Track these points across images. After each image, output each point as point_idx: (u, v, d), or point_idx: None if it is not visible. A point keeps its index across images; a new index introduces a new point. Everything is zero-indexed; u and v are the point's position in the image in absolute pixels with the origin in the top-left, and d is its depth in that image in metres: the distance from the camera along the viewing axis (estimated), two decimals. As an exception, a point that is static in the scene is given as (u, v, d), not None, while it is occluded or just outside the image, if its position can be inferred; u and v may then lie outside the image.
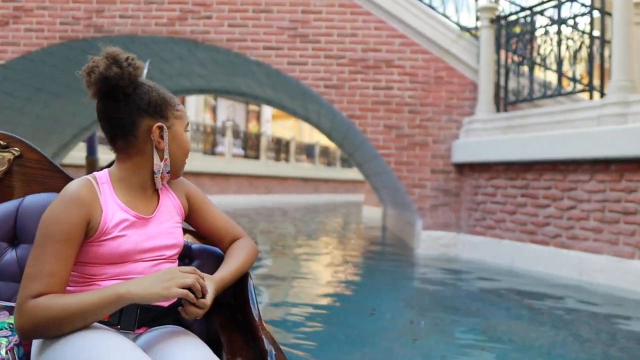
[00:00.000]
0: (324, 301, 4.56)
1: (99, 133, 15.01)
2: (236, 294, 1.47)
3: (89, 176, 1.31)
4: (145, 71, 5.20)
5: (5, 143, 1.56)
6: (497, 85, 6.52)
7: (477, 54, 6.65)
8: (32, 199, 1.50)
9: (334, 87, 6.65)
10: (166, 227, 1.35)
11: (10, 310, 1.36)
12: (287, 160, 21.46)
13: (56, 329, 1.14)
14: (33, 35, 6.64)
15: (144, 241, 1.30)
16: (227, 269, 1.37)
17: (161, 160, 1.32)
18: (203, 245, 1.54)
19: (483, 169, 6.28)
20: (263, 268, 5.81)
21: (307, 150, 24.77)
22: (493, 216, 6.12)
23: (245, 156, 20.79)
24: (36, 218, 1.39)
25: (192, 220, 1.47)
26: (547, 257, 5.39)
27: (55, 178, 1.59)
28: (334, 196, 22.78)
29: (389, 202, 9.95)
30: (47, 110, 8.66)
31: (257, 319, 1.34)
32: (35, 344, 1.21)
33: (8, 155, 1.55)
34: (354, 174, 26.03)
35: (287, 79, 7.00)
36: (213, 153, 18.97)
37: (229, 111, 24.49)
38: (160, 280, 1.17)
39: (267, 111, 25.65)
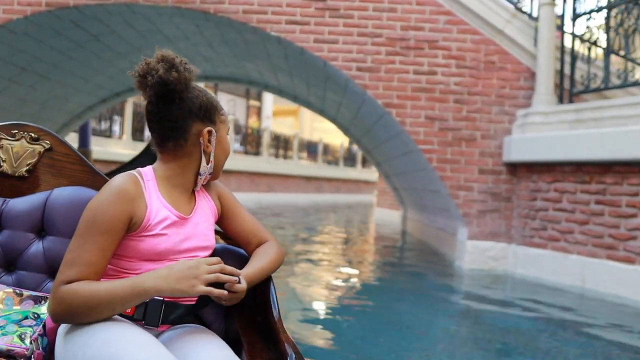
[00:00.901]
0: (340, 324, 3.60)
1: (93, 122, 14.10)
2: (257, 295, 1.45)
3: (134, 171, 1.32)
4: None
5: (36, 135, 1.56)
6: (561, 73, 5.53)
7: (535, 37, 5.67)
8: (60, 192, 1.51)
9: (368, 70, 5.65)
10: (202, 229, 1.36)
11: (35, 299, 1.37)
12: (289, 157, 20.45)
13: (85, 315, 1.16)
14: (14, 0, 5.60)
15: (182, 242, 1.31)
16: (252, 268, 1.36)
17: (207, 163, 1.36)
18: (226, 246, 1.52)
19: (544, 169, 5.29)
20: (276, 279, 4.81)
21: (309, 148, 23.75)
22: (557, 226, 5.13)
23: (246, 152, 19.78)
24: (63, 211, 1.45)
25: (222, 222, 1.47)
26: (632, 279, 4.41)
27: (83, 172, 1.58)
28: (337, 196, 21.80)
29: (412, 205, 8.96)
30: (33, 93, 7.61)
31: (277, 321, 1.35)
32: (60, 335, 1.22)
33: (38, 148, 1.55)
34: (357, 173, 25.06)
35: (310, 60, 6.00)
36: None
37: (229, 105, 23.48)
38: (186, 277, 1.17)
39: (268, 107, 24.65)
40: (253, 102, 25.09)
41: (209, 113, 1.34)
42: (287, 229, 9.89)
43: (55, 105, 8.44)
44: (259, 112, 25.14)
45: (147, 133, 15.29)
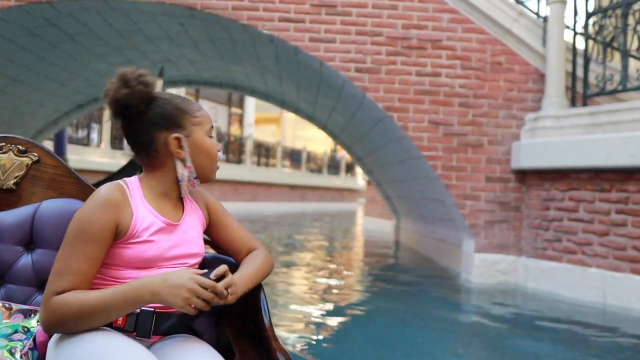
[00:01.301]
0: (337, 352, 3.17)
1: (69, 130, 13.51)
2: (247, 303, 1.44)
3: (120, 181, 1.32)
4: (160, 82, 5.13)
5: (24, 148, 1.55)
6: (573, 75, 5.19)
7: (543, 37, 5.33)
8: (49, 204, 1.51)
9: (368, 72, 5.24)
10: (191, 236, 1.35)
11: (24, 313, 1.36)
12: (272, 165, 19.98)
13: (78, 323, 1.16)
14: (-20, -6, 5.09)
15: (170, 249, 1.30)
16: (241, 275, 1.34)
17: (185, 169, 1.33)
18: (216, 254, 1.51)
19: (557, 176, 4.93)
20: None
21: (292, 156, 23.31)
22: (573, 237, 4.76)
23: (228, 161, 19.27)
24: (52, 223, 1.44)
25: (211, 231, 1.46)
26: (661, 294, 4.06)
27: (72, 184, 1.57)
28: (321, 205, 21.36)
29: (407, 215, 8.57)
30: (3, 98, 7.07)
31: (269, 329, 1.34)
32: (50, 348, 1.21)
33: (26, 160, 1.54)
34: (340, 181, 24.69)
35: (305, 61, 5.58)
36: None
37: (210, 113, 22.89)
38: (179, 293, 1.14)
39: (251, 114, 24.18)
40: (235, 110, 24.61)
41: (176, 119, 1.32)
42: (273, 240, 9.43)
43: (28, 111, 7.89)
44: (240, 119, 24.64)
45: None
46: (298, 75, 6.44)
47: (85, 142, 13.67)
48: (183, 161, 1.32)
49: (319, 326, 3.79)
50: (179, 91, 18.78)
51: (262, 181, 18.19)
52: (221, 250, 1.52)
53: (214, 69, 7.89)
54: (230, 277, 1.23)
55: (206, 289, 1.16)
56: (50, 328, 1.19)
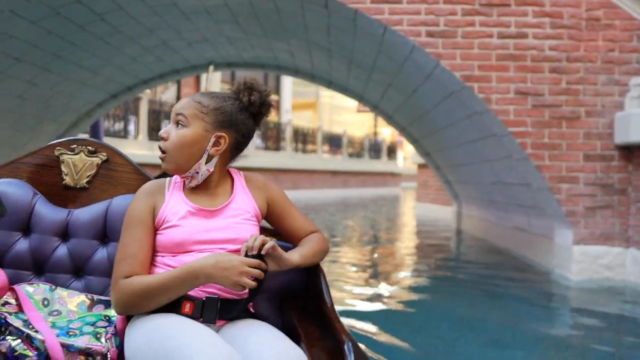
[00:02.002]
0: None
1: (106, 123, 13.07)
2: (309, 286, 1.50)
3: (167, 177, 1.45)
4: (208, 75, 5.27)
5: (93, 149, 1.64)
6: (692, 26, 4.28)
7: (649, -16, 4.42)
8: (119, 201, 1.59)
9: (442, 36, 4.43)
10: (231, 222, 1.38)
11: (105, 303, 1.46)
12: (312, 152, 19.25)
13: (144, 303, 1.29)
14: (-5, -32, 4.46)
15: (201, 232, 1.35)
16: (296, 250, 1.43)
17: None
18: (274, 240, 1.47)
19: (678, 152, 4.06)
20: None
21: (331, 141, 22.52)
22: None
23: (266, 148, 18.62)
24: (123, 217, 1.44)
25: (271, 220, 1.51)
26: None
27: (139, 180, 1.63)
28: (365, 190, 20.57)
29: (471, 200, 7.73)
30: (33, 89, 6.50)
31: (331, 311, 1.37)
32: (127, 333, 1.30)
33: (96, 160, 1.63)
34: (382, 165, 23.83)
35: (363, 29, 4.80)
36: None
37: (246, 100, 22.31)
38: (229, 275, 1.24)
39: (287, 100, 23.45)
40: (272, 96, 23.87)
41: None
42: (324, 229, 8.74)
43: (59, 103, 7.32)
44: (277, 106, 23.95)
45: (164, 132, 14.24)
46: (352, 48, 5.66)
47: (123, 134, 13.21)
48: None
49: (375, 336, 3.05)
50: (216, 76, 18.21)
51: (303, 168, 17.48)
52: (281, 238, 1.54)
53: (256, 47, 7.16)
54: (270, 243, 1.28)
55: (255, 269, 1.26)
56: (119, 308, 1.31)
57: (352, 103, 35.86)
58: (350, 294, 4.15)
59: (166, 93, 17.17)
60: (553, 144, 4.44)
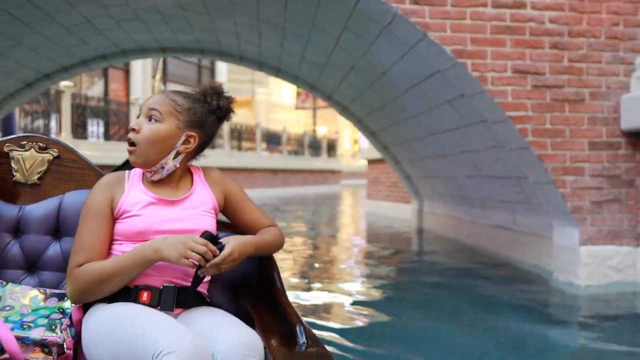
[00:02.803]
0: None
1: (24, 120, 11.65)
2: (262, 277, 1.54)
3: (125, 170, 1.48)
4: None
5: (44, 145, 1.63)
6: None
7: (653, -51, 3.87)
8: (72, 196, 1.58)
9: (429, 3, 3.70)
10: (191, 213, 1.40)
11: (58, 296, 1.44)
12: (251, 149, 18.26)
13: (99, 289, 1.30)
14: None
15: (162, 222, 1.36)
16: (250, 237, 1.43)
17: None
18: (229, 234, 1.48)
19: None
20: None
21: (269, 139, 21.60)
22: None
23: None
24: (76, 213, 1.48)
25: (228, 213, 1.53)
26: None
27: (91, 176, 1.63)
28: (306, 189, 19.78)
29: (435, 197, 7.10)
30: None
31: (282, 297, 1.44)
32: (85, 323, 1.30)
33: (47, 156, 1.62)
34: (323, 163, 23.17)
35: (328, 0, 4.02)
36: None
37: (179, 97, 21.04)
38: (176, 248, 1.27)
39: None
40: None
41: None
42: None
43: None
44: (212, 102, 22.74)
45: (90, 129, 12.89)
46: (312, 23, 4.86)
47: (43, 132, 11.81)
48: None
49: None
50: (146, 64, 16.90)
51: (242, 167, 16.51)
52: (237, 231, 1.53)
53: (196, 28, 6.23)
54: (230, 245, 1.32)
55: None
56: (76, 296, 1.32)
57: (290, 100, 35.15)
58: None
59: (92, 88, 15.75)
60: (556, 130, 3.81)
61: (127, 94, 16.36)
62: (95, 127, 13.07)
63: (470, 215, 5.97)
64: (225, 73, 22.89)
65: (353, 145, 40.21)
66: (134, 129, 1.37)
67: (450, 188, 6.23)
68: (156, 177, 1.41)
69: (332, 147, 24.27)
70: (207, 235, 1.30)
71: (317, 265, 5.39)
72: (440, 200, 6.93)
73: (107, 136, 13.68)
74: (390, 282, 4.59)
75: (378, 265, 5.36)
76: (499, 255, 5.22)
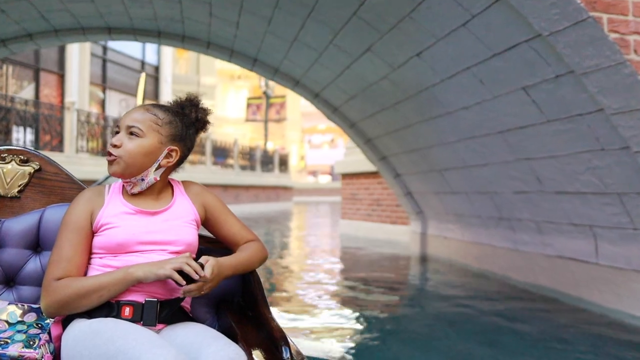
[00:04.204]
0: None
1: None
2: (245, 293, 1.51)
3: (107, 184, 1.45)
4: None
5: (25, 157, 1.59)
6: None
7: None
8: (53, 210, 1.54)
9: None
10: (172, 225, 1.38)
11: (37, 311, 1.41)
12: (200, 163, 16.52)
13: (77, 304, 1.25)
14: None
15: (143, 233, 1.33)
16: (230, 257, 1.39)
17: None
18: (211, 248, 1.53)
19: None
20: None
21: (216, 153, 19.86)
22: None
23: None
24: (57, 227, 1.44)
25: (209, 226, 1.50)
26: None
27: (72, 189, 1.60)
28: (257, 206, 18.16)
29: (445, 217, 5.76)
30: None
31: (265, 311, 1.39)
32: (66, 339, 1.24)
33: (28, 169, 1.58)
34: (275, 179, 21.61)
35: None
36: (104, 154, 13.74)
37: (120, 107, 19.14)
38: (158, 263, 1.26)
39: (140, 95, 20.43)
40: (149, 102, 20.86)
41: None
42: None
43: None
44: (155, 113, 20.85)
45: (15, 135, 10.84)
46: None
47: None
48: None
49: None
50: (83, 68, 14.91)
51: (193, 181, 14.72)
52: (220, 245, 1.52)
53: (126, 1, 4.67)
54: (206, 259, 1.29)
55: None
56: (51, 309, 1.26)
57: (235, 113, 33.45)
58: None
59: (21, 93, 13.66)
60: None
61: (62, 102, 14.38)
62: (21, 134, 11.04)
63: (512, 242, 4.65)
64: (169, 82, 21.12)
65: (300, 161, 38.92)
66: (115, 145, 1.34)
67: (480, 207, 4.90)
68: (136, 190, 1.38)
69: (283, 162, 22.79)
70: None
71: (293, 284, 3.90)
72: (457, 222, 5.59)
73: (37, 146, 11.67)
74: (397, 327, 3.17)
75: (373, 301, 3.92)
76: (564, 297, 3.91)
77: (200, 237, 1.48)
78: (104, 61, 17.90)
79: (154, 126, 1.36)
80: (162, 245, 1.33)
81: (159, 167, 1.37)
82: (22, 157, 1.58)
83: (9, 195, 1.56)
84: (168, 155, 1.38)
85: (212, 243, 1.54)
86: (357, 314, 3.74)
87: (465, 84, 3.66)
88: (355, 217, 9.06)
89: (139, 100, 18.37)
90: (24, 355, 1.26)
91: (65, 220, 1.34)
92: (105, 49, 17.82)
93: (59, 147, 12.05)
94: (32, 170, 1.58)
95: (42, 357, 1.28)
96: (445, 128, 4.45)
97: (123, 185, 1.40)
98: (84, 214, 1.34)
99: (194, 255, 1.38)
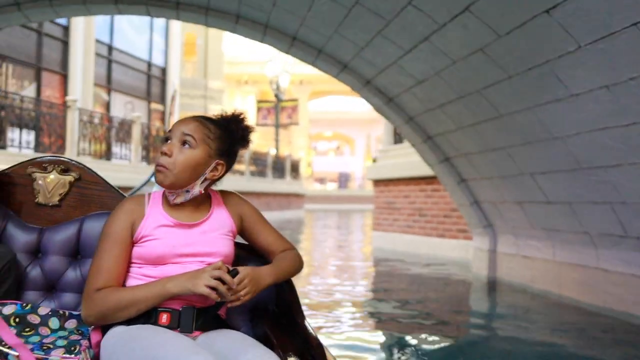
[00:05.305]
0: None
1: None
2: (279, 301, 1.49)
3: (145, 193, 1.44)
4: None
5: (66, 167, 1.62)
6: None
7: None
8: (92, 218, 1.57)
9: None
10: (210, 237, 1.38)
11: (77, 318, 1.44)
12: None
13: (116, 316, 1.27)
14: None
15: (182, 246, 1.34)
16: (269, 266, 1.39)
17: None
18: (249, 257, 1.53)
19: None
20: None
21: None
22: None
23: (150, 162, 14.52)
24: (96, 235, 1.45)
25: (245, 235, 1.50)
26: None
27: (111, 198, 1.62)
28: (271, 214, 16.95)
29: (526, 232, 4.60)
30: None
31: (302, 321, 1.39)
32: (105, 345, 1.26)
33: (69, 179, 1.62)
34: (287, 185, 20.47)
35: None
36: (109, 158, 12.64)
37: (126, 109, 18.08)
38: (192, 277, 1.25)
39: (175, 111, 19.44)
40: (155, 106, 19.88)
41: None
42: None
43: None
44: (162, 116, 19.87)
45: (10, 136, 9.70)
46: None
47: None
48: None
49: None
50: (87, 69, 13.92)
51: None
52: (256, 254, 1.52)
53: None
54: (243, 271, 1.28)
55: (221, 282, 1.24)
56: (92, 320, 1.28)
57: (250, 120, 32.32)
58: None
59: (23, 93, 12.59)
60: None
61: (64, 103, 13.34)
62: (17, 134, 9.89)
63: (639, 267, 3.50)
64: (177, 84, 20.12)
65: (307, 168, 37.81)
66: (165, 153, 1.35)
67: (590, 220, 3.75)
68: (179, 200, 1.39)
69: (295, 169, 21.64)
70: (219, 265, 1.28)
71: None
72: (546, 239, 4.43)
73: (37, 149, 10.54)
74: None
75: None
76: None
77: (238, 245, 1.48)
78: (109, 62, 16.90)
79: (205, 139, 1.36)
80: (200, 257, 1.34)
81: (205, 180, 1.37)
82: (62, 167, 1.62)
83: (50, 204, 1.60)
84: (214, 169, 1.38)
85: (249, 251, 1.53)
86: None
87: (617, 51, 2.54)
88: (391, 228, 7.90)
89: (174, 117, 17.37)
90: None
91: (105, 230, 1.35)
92: (110, 48, 16.84)
93: (61, 150, 10.95)
94: (73, 180, 1.62)
95: None
96: (560, 117, 3.33)
97: (164, 194, 1.41)
98: (124, 225, 1.35)
99: (230, 265, 1.36)
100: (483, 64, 3.48)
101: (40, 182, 1.60)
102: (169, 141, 1.35)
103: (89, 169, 1.64)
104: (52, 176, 1.60)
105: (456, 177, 5.07)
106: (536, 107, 3.44)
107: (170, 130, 1.38)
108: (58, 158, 1.64)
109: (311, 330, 1.33)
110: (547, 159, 3.75)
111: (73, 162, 1.64)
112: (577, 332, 3.49)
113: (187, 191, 1.37)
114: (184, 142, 1.34)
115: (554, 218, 4.16)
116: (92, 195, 1.62)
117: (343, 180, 34.65)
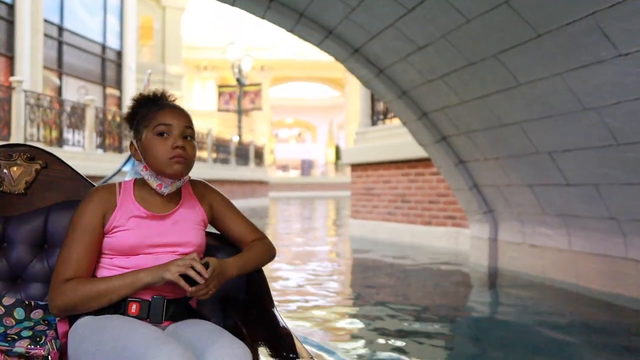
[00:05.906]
0: None
1: None
2: (249, 290, 1.48)
3: (115, 182, 1.41)
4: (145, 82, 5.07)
5: (32, 155, 1.59)
6: None
7: None
8: (59, 207, 1.54)
9: None
10: (182, 227, 1.37)
11: (43, 308, 1.40)
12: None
13: (85, 306, 1.24)
14: None
15: (154, 236, 1.32)
16: (236, 257, 1.38)
17: (143, 169, 1.36)
18: (220, 246, 1.51)
19: None
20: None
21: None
22: None
23: (106, 149, 13.54)
24: (64, 224, 1.45)
25: (216, 225, 1.49)
26: None
27: (78, 186, 1.59)
28: (235, 202, 16.22)
29: (536, 218, 4.10)
30: None
31: (272, 309, 1.39)
32: (73, 336, 1.24)
33: (35, 166, 1.58)
34: (250, 173, 19.69)
35: None
36: (60, 145, 11.65)
37: (79, 94, 16.92)
38: (165, 266, 1.23)
39: (130, 96, 18.36)
40: (111, 91, 18.76)
41: (137, 128, 1.36)
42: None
43: None
44: (119, 102, 18.76)
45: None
46: None
47: None
48: (140, 163, 1.36)
49: None
50: (36, 50, 12.95)
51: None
52: (227, 243, 1.50)
53: None
54: (211, 261, 1.25)
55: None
56: (60, 309, 1.25)
57: (203, 106, 31.27)
58: None
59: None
60: None
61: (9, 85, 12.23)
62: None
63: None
64: (133, 69, 19.02)
65: (269, 155, 36.99)
66: (184, 147, 1.32)
67: (619, 205, 3.25)
68: (172, 189, 1.36)
69: (259, 156, 20.85)
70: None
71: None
72: (561, 226, 3.92)
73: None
74: None
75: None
76: None
77: (210, 234, 1.48)
78: (60, 43, 15.69)
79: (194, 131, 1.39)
80: (171, 247, 1.33)
81: None
82: (28, 155, 1.58)
83: (15, 193, 1.56)
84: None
85: (221, 240, 1.51)
86: None
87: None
88: (371, 216, 7.33)
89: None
90: (30, 352, 1.24)
91: (75, 220, 1.32)
92: (61, 29, 15.65)
93: (6, 137, 9.95)
94: (39, 167, 1.57)
95: (49, 354, 1.25)
96: (598, 84, 2.79)
97: (134, 184, 1.38)
98: (96, 215, 1.32)
99: (202, 255, 1.37)
100: (505, 22, 2.91)
101: (5, 170, 1.56)
102: (166, 134, 1.32)
103: (56, 156, 1.59)
104: (17, 164, 1.57)
105: (454, 159, 4.52)
106: (567, 72, 2.90)
107: (162, 124, 1.32)
108: (23, 145, 1.60)
109: (280, 320, 1.34)
110: (573, 134, 3.22)
111: (40, 149, 1.59)
112: (600, 327, 3.00)
113: (179, 180, 1.36)
114: (186, 135, 1.33)
115: (572, 202, 3.65)
116: (60, 184, 1.58)
117: (306, 167, 34.05)
